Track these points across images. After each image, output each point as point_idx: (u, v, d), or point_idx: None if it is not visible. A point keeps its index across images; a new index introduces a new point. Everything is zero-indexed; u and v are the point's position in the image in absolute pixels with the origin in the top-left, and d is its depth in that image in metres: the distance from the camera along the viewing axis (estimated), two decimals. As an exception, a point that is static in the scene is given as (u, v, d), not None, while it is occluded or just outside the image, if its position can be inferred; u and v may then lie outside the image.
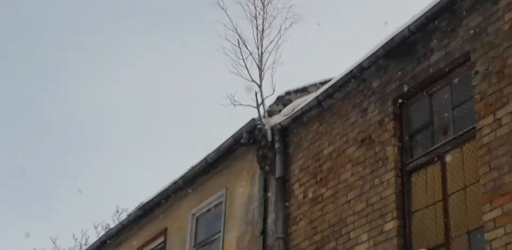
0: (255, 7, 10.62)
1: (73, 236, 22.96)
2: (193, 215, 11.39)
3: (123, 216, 19.48)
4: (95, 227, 22.21)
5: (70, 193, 32.29)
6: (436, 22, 7.82)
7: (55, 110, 34.53)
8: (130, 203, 25.63)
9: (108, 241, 13.54)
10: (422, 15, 7.84)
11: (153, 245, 12.42)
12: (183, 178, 11.37)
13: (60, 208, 31.51)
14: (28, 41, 34.10)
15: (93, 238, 21.22)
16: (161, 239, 12.16)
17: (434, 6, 7.71)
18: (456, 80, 7.75)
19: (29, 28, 34.73)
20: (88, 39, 33.98)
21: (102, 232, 20.91)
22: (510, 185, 6.58)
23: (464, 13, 7.55)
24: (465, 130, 7.45)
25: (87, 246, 15.23)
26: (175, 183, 11.55)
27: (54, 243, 23.31)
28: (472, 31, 7.44)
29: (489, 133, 6.95)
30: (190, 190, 11.50)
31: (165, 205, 12.06)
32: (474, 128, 7.25)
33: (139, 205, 12.53)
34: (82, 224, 28.80)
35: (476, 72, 7.28)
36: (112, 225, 18.70)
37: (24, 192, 33.16)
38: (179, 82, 33.18)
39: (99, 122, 34.69)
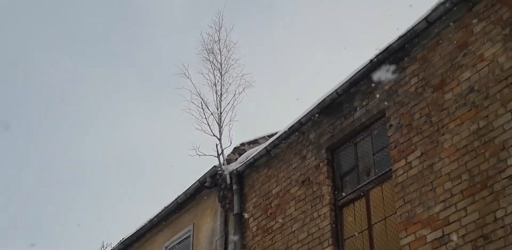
0: (215, 76, 10.78)
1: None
2: (166, 247, 11.29)
3: (108, 250, 19.38)
4: (84, 261, 21.95)
5: (62, 230, 32.06)
6: (358, 86, 8.03)
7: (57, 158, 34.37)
8: (114, 239, 25.43)
9: (95, 274, 13.41)
10: (346, 81, 8.08)
11: (133, 276, 12.21)
12: (157, 216, 11.34)
13: (53, 242, 31.29)
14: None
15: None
16: (140, 270, 11.99)
17: (356, 73, 7.94)
18: (375, 132, 7.90)
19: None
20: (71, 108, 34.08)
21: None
22: (420, 215, 6.70)
23: (379, 78, 7.73)
24: (384, 171, 7.60)
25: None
26: (151, 220, 11.52)
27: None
28: (386, 93, 7.64)
29: (402, 174, 7.09)
30: (163, 226, 11.36)
31: (143, 240, 11.95)
32: (390, 169, 7.38)
33: (120, 240, 12.37)
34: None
35: (390, 125, 7.46)
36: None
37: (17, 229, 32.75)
38: (154, 139, 33.61)
39: (92, 172, 34.72)
